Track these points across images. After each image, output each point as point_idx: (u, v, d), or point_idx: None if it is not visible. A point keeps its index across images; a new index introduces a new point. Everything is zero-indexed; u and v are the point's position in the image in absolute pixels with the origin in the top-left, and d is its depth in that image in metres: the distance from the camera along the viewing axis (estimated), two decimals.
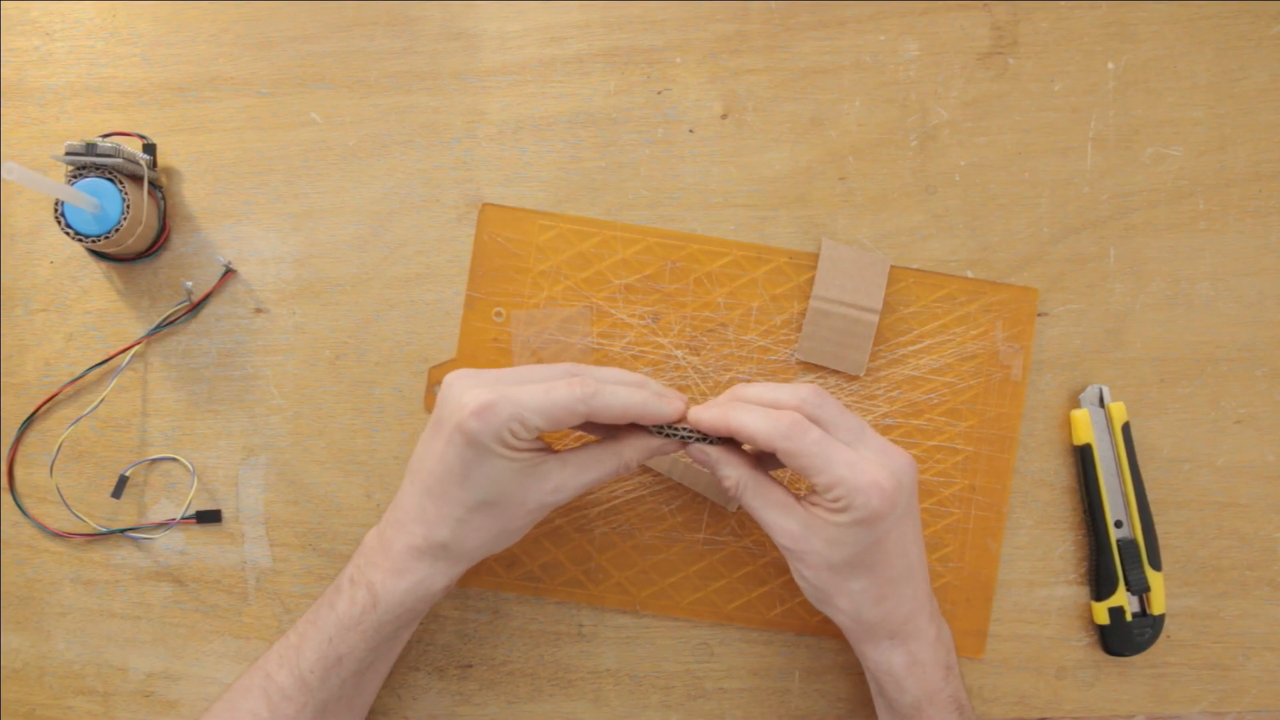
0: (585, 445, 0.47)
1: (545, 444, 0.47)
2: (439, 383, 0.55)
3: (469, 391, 0.44)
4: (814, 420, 0.45)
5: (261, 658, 0.48)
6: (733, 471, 0.47)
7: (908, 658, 0.47)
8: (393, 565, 0.46)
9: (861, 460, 0.43)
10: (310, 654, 0.47)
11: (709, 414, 0.46)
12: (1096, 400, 0.54)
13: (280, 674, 0.47)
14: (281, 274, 0.55)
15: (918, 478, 0.47)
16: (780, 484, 0.47)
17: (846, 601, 0.46)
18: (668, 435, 0.47)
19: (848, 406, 0.54)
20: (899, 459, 0.45)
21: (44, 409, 0.55)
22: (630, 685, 0.55)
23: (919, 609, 0.47)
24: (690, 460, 0.52)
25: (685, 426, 0.47)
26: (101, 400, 0.55)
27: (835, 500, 0.44)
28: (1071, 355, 0.55)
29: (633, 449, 0.47)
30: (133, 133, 0.55)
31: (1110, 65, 0.56)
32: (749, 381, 0.54)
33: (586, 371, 0.46)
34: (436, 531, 0.45)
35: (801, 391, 0.45)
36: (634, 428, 0.47)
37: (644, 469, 0.55)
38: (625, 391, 0.45)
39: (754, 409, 0.45)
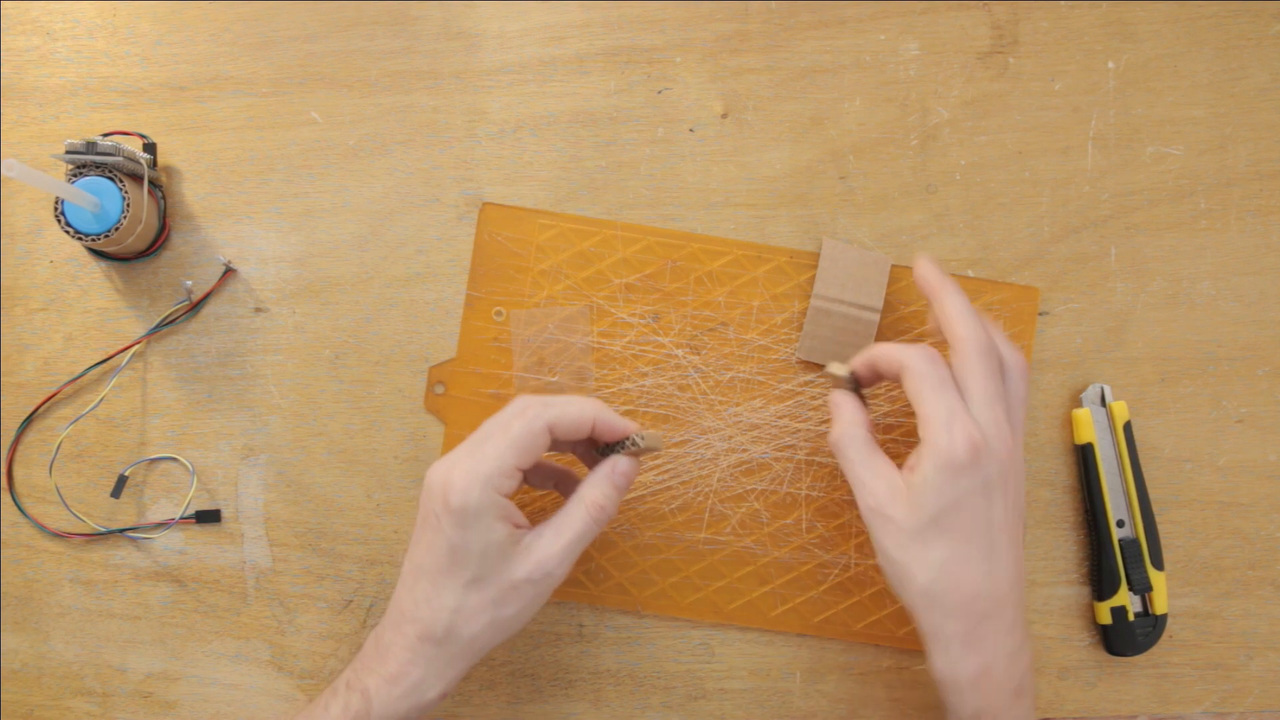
0: (555, 512, 0.47)
1: (524, 520, 0.46)
2: (440, 382, 0.55)
3: (445, 474, 0.44)
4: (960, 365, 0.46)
5: None
6: (851, 416, 0.48)
7: (977, 667, 0.44)
8: (388, 670, 0.45)
9: (962, 411, 0.44)
10: None
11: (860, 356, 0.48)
12: (1098, 399, 0.54)
13: None
14: (281, 273, 0.55)
15: (1021, 468, 0.45)
16: (879, 449, 0.47)
17: (924, 575, 0.44)
18: (624, 450, 0.47)
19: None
20: (1004, 437, 0.44)
21: (43, 408, 0.55)
22: (631, 686, 0.55)
23: (997, 610, 0.44)
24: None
25: (632, 438, 0.47)
26: (101, 400, 0.54)
27: (924, 438, 0.44)
28: (1072, 354, 0.55)
29: (593, 486, 0.46)
30: (133, 132, 0.55)
31: (1110, 65, 0.56)
32: (749, 380, 0.54)
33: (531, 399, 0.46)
34: (433, 624, 0.45)
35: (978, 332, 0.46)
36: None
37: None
38: (572, 401, 0.46)
39: (901, 345, 0.47)
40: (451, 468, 0.44)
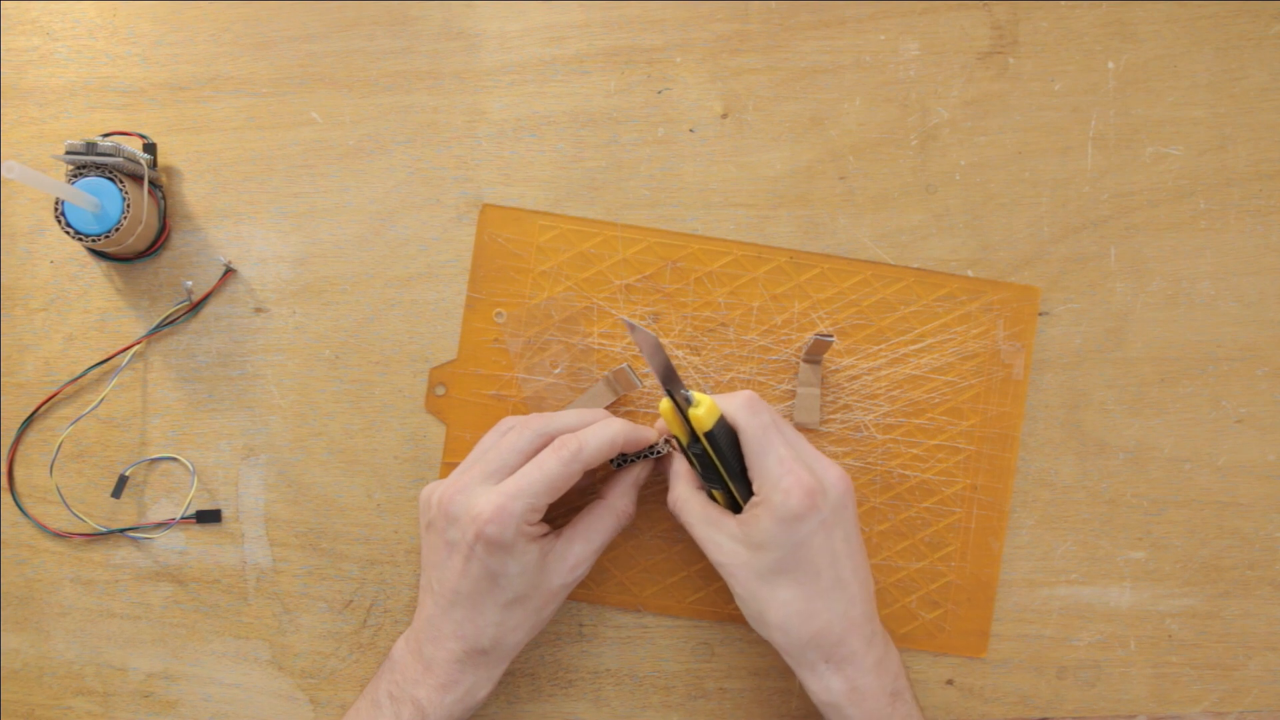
0: (580, 515, 0.50)
1: (549, 525, 0.49)
2: (440, 383, 0.55)
3: (474, 501, 0.46)
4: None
5: None
6: (683, 488, 0.50)
7: (846, 684, 0.46)
8: (438, 680, 0.48)
9: (790, 459, 0.46)
10: None
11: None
12: None
13: None
14: (281, 274, 0.55)
15: (852, 494, 0.47)
16: (716, 505, 0.49)
17: (777, 614, 0.46)
18: (641, 458, 0.51)
19: (847, 408, 0.55)
20: (830, 471, 0.47)
21: (44, 408, 0.55)
22: (631, 685, 0.55)
23: (853, 630, 0.46)
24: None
25: (652, 446, 0.50)
26: (101, 400, 0.54)
27: (759, 494, 0.46)
28: (1072, 354, 0.55)
29: (619, 495, 0.51)
30: (133, 132, 0.55)
31: (1110, 65, 0.56)
32: (749, 381, 0.55)
33: (547, 428, 0.49)
34: (478, 640, 0.48)
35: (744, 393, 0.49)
36: (610, 476, 0.52)
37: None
38: (601, 431, 0.48)
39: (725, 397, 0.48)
40: (478, 498, 0.46)
